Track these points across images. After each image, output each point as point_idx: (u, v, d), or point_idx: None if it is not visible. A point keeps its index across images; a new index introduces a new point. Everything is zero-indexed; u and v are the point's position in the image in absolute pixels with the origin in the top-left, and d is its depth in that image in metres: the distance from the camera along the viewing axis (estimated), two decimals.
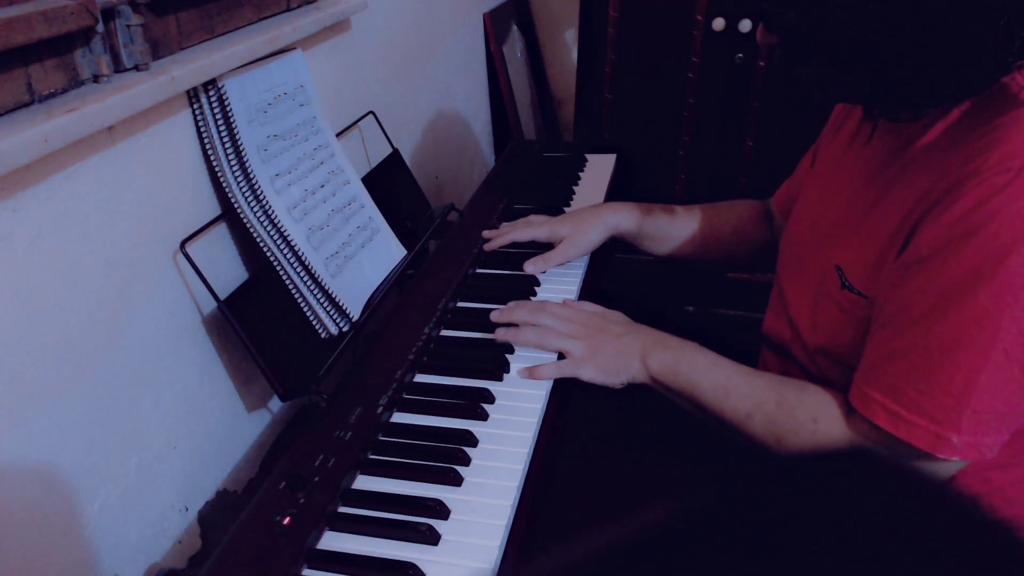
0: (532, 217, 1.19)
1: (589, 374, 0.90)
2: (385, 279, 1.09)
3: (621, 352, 0.91)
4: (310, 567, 0.68)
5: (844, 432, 0.78)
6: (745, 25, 1.69)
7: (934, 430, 0.70)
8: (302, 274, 0.95)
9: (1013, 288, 0.65)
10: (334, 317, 0.98)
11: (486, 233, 1.18)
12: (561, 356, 0.92)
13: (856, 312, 0.80)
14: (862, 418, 0.75)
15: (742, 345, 1.07)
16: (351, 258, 1.04)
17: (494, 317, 0.97)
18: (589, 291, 1.11)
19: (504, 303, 1.05)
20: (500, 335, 0.94)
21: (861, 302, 0.79)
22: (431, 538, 0.69)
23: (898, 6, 0.65)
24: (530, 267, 1.10)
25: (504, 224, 1.20)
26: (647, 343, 0.91)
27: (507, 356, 0.92)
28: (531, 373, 0.89)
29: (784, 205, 1.10)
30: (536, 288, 1.07)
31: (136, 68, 0.78)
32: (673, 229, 1.15)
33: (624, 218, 1.13)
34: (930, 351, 0.70)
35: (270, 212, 0.93)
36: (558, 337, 0.92)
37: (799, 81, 0.78)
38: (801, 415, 0.80)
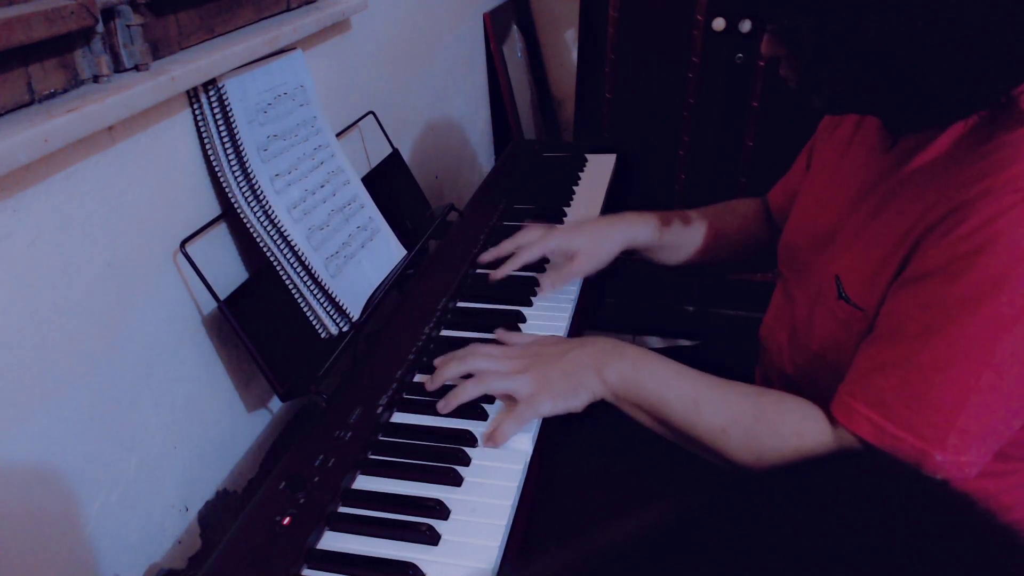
0: (532, 228, 1.09)
1: (547, 407, 0.82)
2: (385, 279, 1.09)
3: (570, 370, 0.83)
4: (310, 567, 0.68)
5: (829, 447, 0.75)
6: (745, 25, 1.69)
7: (920, 446, 0.69)
8: (302, 274, 0.95)
9: (1013, 310, 0.65)
10: (334, 317, 0.98)
11: (486, 256, 1.08)
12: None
13: (851, 324, 0.78)
14: (846, 431, 0.74)
15: (741, 345, 1.07)
16: (351, 258, 1.04)
17: (429, 386, 0.87)
18: (588, 295, 1.11)
19: (503, 303, 1.05)
20: (442, 407, 0.83)
21: (856, 314, 0.78)
22: (431, 538, 0.69)
23: (926, 20, 0.63)
24: (546, 286, 1.03)
25: (505, 242, 1.07)
26: (598, 354, 0.83)
27: None
28: (494, 440, 0.80)
29: (780, 203, 1.09)
30: (536, 288, 1.07)
31: (136, 68, 0.78)
32: (686, 237, 1.10)
33: (640, 230, 1.07)
34: (923, 367, 0.69)
35: (270, 212, 0.93)
36: (500, 379, 0.84)
37: (816, 96, 0.75)
38: (784, 429, 0.76)
